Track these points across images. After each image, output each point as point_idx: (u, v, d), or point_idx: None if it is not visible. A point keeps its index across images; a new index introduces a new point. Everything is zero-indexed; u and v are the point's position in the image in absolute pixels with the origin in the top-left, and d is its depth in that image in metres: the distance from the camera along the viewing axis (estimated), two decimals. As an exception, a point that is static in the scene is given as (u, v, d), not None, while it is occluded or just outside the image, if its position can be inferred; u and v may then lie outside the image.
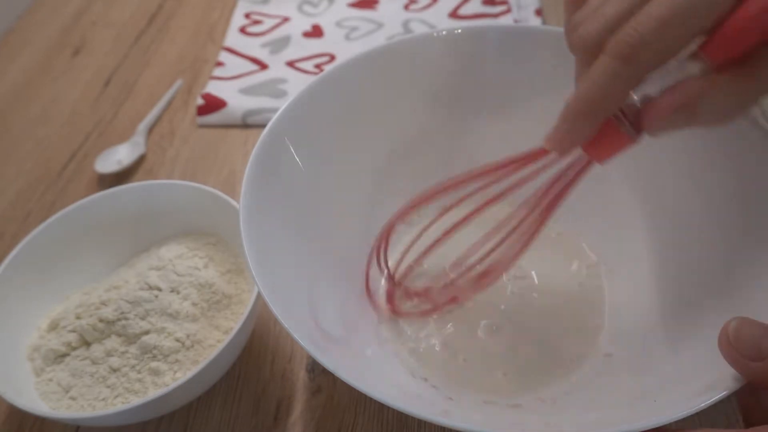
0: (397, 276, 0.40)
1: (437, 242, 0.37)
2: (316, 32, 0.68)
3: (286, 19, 0.70)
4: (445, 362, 0.38)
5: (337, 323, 0.36)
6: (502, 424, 0.34)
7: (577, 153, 0.30)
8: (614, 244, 0.42)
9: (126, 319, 0.37)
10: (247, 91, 0.61)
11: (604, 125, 0.27)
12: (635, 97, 0.27)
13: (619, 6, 0.26)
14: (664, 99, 0.26)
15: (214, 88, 0.61)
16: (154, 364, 0.37)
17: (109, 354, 0.37)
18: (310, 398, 0.39)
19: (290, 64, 0.64)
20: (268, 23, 0.70)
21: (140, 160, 0.56)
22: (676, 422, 0.25)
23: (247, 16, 0.71)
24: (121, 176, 0.54)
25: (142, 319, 0.38)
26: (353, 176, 0.42)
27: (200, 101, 0.59)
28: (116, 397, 0.36)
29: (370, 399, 0.27)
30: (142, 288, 0.39)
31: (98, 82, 0.65)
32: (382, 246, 0.38)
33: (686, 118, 0.26)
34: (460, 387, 0.36)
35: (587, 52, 0.27)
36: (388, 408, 0.29)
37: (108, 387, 0.36)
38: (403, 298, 0.40)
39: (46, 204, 0.53)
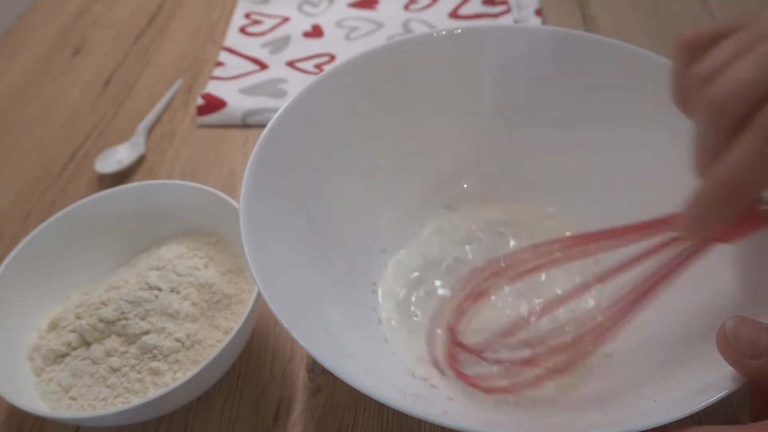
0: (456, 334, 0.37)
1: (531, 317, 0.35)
2: (316, 32, 0.68)
3: (286, 19, 0.70)
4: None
5: (337, 323, 0.36)
6: (501, 424, 0.34)
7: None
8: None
9: (126, 319, 0.37)
10: (247, 91, 0.61)
11: (744, 211, 0.25)
12: None
13: (761, 70, 0.22)
14: None
15: (214, 88, 0.61)
16: (154, 364, 0.37)
17: (109, 354, 0.37)
18: (310, 398, 0.39)
19: (290, 64, 0.64)
20: (268, 23, 0.70)
21: (140, 160, 0.56)
22: (676, 422, 0.26)
23: (247, 16, 0.71)
24: (121, 176, 0.54)
25: (142, 319, 0.38)
26: (353, 176, 0.42)
27: (200, 101, 0.59)
28: (116, 397, 0.36)
29: (370, 399, 0.27)
30: (142, 288, 0.39)
31: (98, 82, 0.65)
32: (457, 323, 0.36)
33: None
34: (460, 387, 0.36)
35: (718, 116, 0.23)
36: (388, 408, 0.29)
37: (108, 387, 0.36)
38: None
39: (46, 204, 0.53)
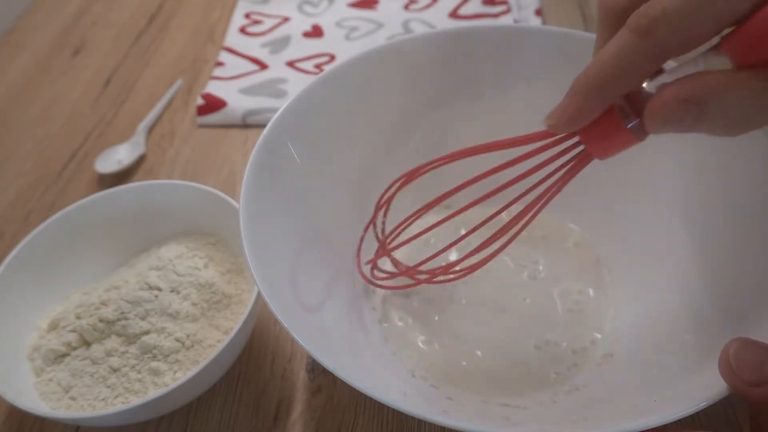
0: (388, 245, 0.39)
1: (432, 227, 0.36)
2: (316, 32, 0.68)
3: (286, 19, 0.70)
4: (445, 362, 0.38)
5: (337, 323, 0.36)
6: (501, 424, 0.34)
7: (576, 147, 0.28)
8: (616, 246, 0.42)
9: (126, 319, 0.37)
10: (247, 91, 0.61)
11: (607, 116, 0.25)
12: (649, 92, 0.24)
13: None
14: (672, 88, 0.23)
15: (214, 88, 0.61)
16: (154, 364, 0.37)
17: (109, 354, 0.37)
18: (310, 398, 0.39)
19: (290, 64, 0.64)
20: (268, 23, 0.70)
21: (140, 160, 0.56)
22: (676, 422, 0.26)
23: (247, 16, 0.71)
24: (121, 176, 0.54)
25: (142, 319, 0.38)
26: (353, 176, 0.42)
27: (200, 101, 0.59)
28: (116, 397, 0.36)
29: (370, 399, 0.27)
30: (142, 288, 0.39)
31: (98, 82, 0.65)
32: (383, 211, 0.38)
33: (693, 116, 0.22)
34: (460, 387, 0.36)
35: (609, 20, 0.25)
36: (388, 408, 0.29)
37: (108, 387, 0.37)
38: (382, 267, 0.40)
39: (46, 204, 0.53)
